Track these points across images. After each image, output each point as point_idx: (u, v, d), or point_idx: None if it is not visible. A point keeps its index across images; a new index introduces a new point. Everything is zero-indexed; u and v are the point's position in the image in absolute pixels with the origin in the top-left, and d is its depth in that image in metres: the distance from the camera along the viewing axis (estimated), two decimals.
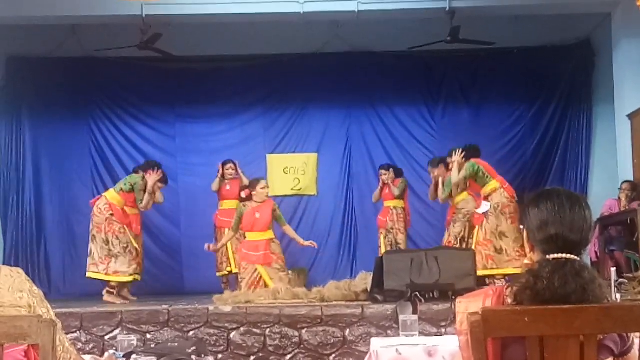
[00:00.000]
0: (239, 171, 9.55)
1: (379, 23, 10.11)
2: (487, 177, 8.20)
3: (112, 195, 8.47)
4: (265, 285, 7.90)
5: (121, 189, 8.47)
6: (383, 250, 9.30)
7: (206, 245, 8.76)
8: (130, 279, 8.31)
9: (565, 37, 10.82)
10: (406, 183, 9.91)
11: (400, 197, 9.74)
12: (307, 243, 8.63)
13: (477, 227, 8.17)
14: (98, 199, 8.62)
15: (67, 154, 10.99)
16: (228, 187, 9.43)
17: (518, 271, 7.85)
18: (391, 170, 9.86)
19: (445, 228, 8.98)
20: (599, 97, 10.79)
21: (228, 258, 9.19)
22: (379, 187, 9.88)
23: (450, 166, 8.53)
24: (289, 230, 8.73)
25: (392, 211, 9.70)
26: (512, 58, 10.91)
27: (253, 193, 8.48)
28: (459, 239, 8.52)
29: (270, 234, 8.39)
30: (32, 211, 10.82)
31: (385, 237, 9.66)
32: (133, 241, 8.32)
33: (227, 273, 9.26)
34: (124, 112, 11.22)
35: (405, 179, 9.94)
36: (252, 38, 10.38)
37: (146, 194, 8.53)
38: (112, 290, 8.16)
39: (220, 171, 9.50)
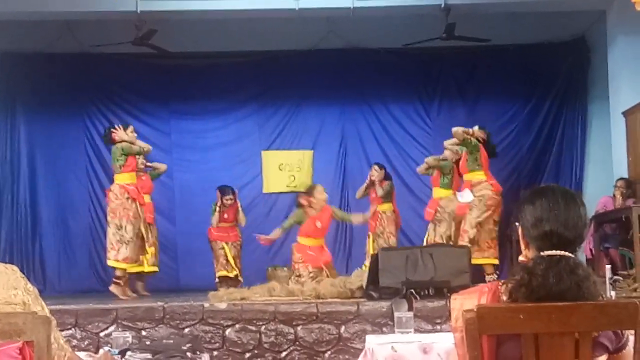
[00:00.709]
0: (238, 202, 9.47)
1: (374, 20, 10.11)
2: (478, 165, 8.21)
3: (119, 178, 8.34)
4: None
5: (120, 167, 8.34)
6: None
7: (257, 236, 8.83)
8: (134, 267, 8.29)
9: (560, 34, 10.83)
10: (393, 186, 9.83)
11: (388, 199, 9.70)
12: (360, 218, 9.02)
13: (462, 220, 8.20)
14: (109, 190, 8.54)
15: (61, 150, 10.97)
16: (226, 216, 9.40)
17: (483, 261, 8.04)
18: (383, 170, 9.83)
19: (425, 219, 9.06)
20: (594, 95, 10.82)
21: (227, 261, 9.19)
22: (365, 184, 9.82)
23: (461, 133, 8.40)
24: (355, 218, 9.23)
25: (381, 215, 9.65)
26: (507, 55, 10.93)
27: (312, 200, 8.54)
28: (444, 237, 8.54)
29: (322, 241, 8.70)
30: (27, 208, 10.81)
31: (374, 242, 9.59)
32: (142, 229, 8.30)
33: (223, 275, 9.23)
34: (119, 108, 11.20)
35: (393, 184, 9.86)
36: (247, 34, 10.37)
37: (137, 142, 8.46)
38: (118, 281, 8.11)
39: (219, 201, 9.39)
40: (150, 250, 8.79)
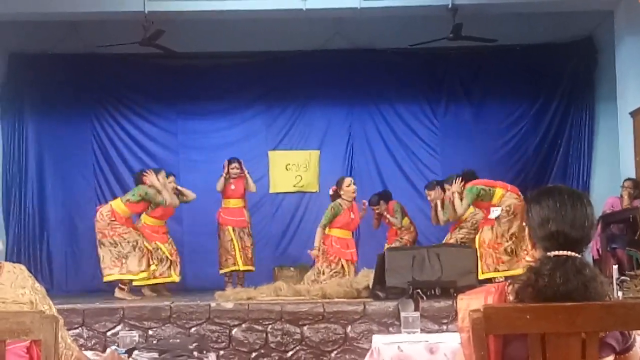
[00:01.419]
0: (244, 170, 9.48)
1: (381, 20, 10.10)
2: (491, 190, 8.13)
3: (117, 204, 8.50)
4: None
5: (128, 200, 8.46)
6: None
7: (309, 251, 8.72)
8: (142, 276, 8.30)
9: (567, 34, 10.80)
10: (400, 204, 9.63)
11: (403, 216, 9.57)
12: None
13: (483, 228, 8.11)
14: (102, 205, 8.64)
15: (69, 150, 10.99)
16: (233, 187, 9.34)
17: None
18: (381, 202, 9.61)
19: (449, 231, 8.95)
20: (601, 95, 10.78)
21: (234, 255, 9.14)
22: (375, 219, 9.75)
23: (451, 195, 8.38)
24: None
25: (400, 231, 9.55)
26: (514, 55, 10.90)
27: (341, 192, 8.59)
28: (459, 242, 8.48)
29: (351, 234, 8.78)
30: (34, 208, 10.84)
31: None
32: (139, 239, 8.33)
33: (231, 270, 9.20)
34: (126, 108, 11.22)
35: (399, 203, 9.67)
36: (254, 35, 10.37)
37: (163, 192, 8.49)
38: (123, 287, 8.19)
39: (226, 169, 9.41)
40: (175, 260, 8.90)
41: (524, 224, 2.28)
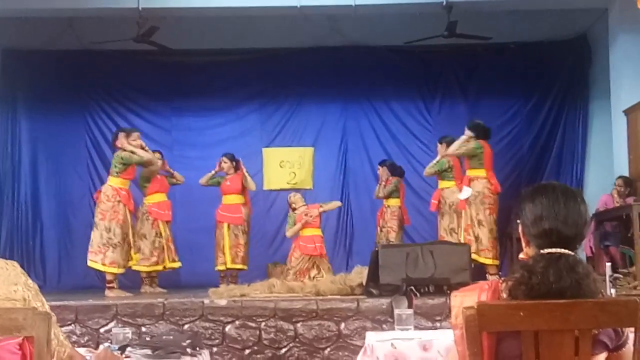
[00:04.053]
0: (243, 168, 9.35)
1: (376, 17, 10.11)
2: (481, 164, 8.20)
3: (112, 181, 8.33)
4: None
5: (116, 173, 8.33)
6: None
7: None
8: (121, 270, 8.24)
9: (562, 32, 10.82)
10: (397, 185, 9.80)
11: (396, 195, 9.75)
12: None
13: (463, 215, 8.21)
14: (100, 189, 8.53)
15: (63, 146, 10.98)
16: (228, 183, 9.32)
17: (489, 262, 8.01)
18: (385, 168, 9.94)
19: (431, 211, 9.12)
20: (596, 93, 10.81)
21: (224, 254, 9.13)
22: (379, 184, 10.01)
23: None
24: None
25: (386, 209, 9.75)
26: (509, 53, 10.93)
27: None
28: (448, 231, 8.53)
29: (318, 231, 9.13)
30: (27, 204, 10.83)
31: (377, 235, 9.75)
32: (130, 234, 8.31)
33: (223, 269, 9.20)
34: (120, 105, 11.21)
35: (398, 180, 9.85)
36: (249, 32, 10.36)
37: (137, 151, 8.35)
38: (111, 285, 8.11)
39: (217, 165, 9.40)
40: (169, 246, 8.88)
41: (517, 221, 2.28)
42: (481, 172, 8.18)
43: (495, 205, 8.13)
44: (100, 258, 8.06)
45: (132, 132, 8.62)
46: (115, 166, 8.33)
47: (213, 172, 9.39)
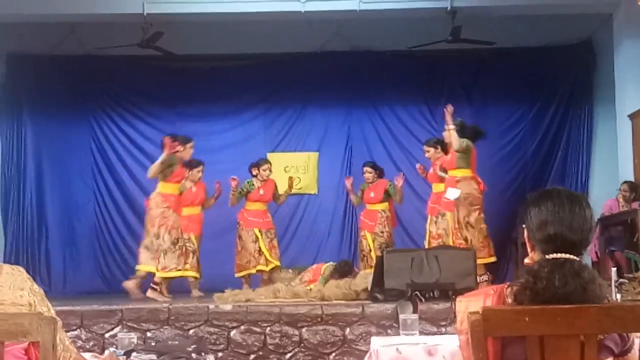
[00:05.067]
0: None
1: (380, 22, 10.11)
2: (468, 163, 8.18)
3: (162, 186, 8.36)
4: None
5: (166, 175, 8.31)
6: (373, 253, 9.10)
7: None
8: (177, 274, 8.35)
9: (566, 37, 10.80)
10: (390, 188, 9.53)
11: (386, 199, 9.54)
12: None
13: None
14: (149, 199, 8.51)
15: (68, 151, 10.99)
16: (262, 192, 9.24)
17: (483, 261, 7.96)
18: (371, 168, 9.61)
19: (427, 214, 8.98)
20: (600, 98, 10.78)
21: (261, 254, 9.01)
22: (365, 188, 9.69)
23: (447, 136, 8.34)
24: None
25: (380, 214, 9.48)
26: (513, 58, 10.90)
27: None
28: (447, 232, 8.49)
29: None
30: (33, 209, 10.82)
31: (374, 241, 9.40)
32: (182, 238, 8.36)
33: (253, 272, 9.06)
34: (125, 110, 11.22)
35: (390, 182, 9.63)
36: (253, 37, 10.38)
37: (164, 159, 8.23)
38: (156, 287, 8.17)
39: (255, 171, 9.28)
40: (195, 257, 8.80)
41: (523, 225, 2.28)
42: (468, 172, 8.15)
43: (483, 204, 8.13)
44: (155, 264, 8.19)
45: (189, 141, 8.60)
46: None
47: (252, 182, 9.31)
